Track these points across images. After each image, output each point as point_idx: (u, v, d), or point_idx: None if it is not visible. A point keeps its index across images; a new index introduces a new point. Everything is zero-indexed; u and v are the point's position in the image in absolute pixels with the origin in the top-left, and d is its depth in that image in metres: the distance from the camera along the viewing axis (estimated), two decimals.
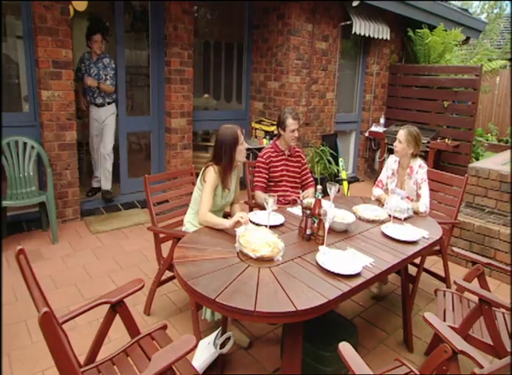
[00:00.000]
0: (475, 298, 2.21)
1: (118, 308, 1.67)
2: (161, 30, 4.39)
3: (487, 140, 8.78)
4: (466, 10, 7.55)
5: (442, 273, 3.13)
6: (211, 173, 2.36)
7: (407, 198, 2.94)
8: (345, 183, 5.18)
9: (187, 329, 2.48)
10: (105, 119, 4.26)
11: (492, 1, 12.55)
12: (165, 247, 2.59)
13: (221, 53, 5.48)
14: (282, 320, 1.55)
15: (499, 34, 12.38)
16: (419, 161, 2.98)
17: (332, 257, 1.93)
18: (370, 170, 6.76)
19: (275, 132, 5.11)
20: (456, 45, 6.54)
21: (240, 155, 2.43)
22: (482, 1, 12.85)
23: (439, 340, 2.24)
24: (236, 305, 1.53)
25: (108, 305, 1.67)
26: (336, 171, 5.35)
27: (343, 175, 5.45)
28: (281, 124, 3.05)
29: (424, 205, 2.82)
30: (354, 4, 4.82)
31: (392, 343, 2.58)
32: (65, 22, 3.54)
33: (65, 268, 3.17)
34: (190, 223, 2.55)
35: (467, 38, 7.26)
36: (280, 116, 3.07)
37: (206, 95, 5.56)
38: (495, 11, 12.84)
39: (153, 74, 4.55)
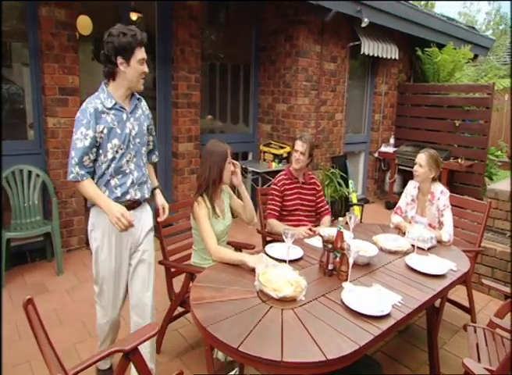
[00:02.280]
0: (509, 335, 2.12)
1: (131, 356, 1.57)
2: (168, 53, 4.41)
3: (497, 157, 8.71)
4: (473, 28, 7.61)
5: (465, 302, 3.02)
6: (198, 207, 2.29)
7: (429, 225, 2.85)
8: (356, 208, 5.09)
9: (200, 367, 2.37)
10: None
11: (497, 18, 12.70)
12: (177, 281, 2.51)
13: (227, 75, 5.49)
14: (312, 371, 1.45)
15: (505, 51, 12.46)
16: (440, 186, 2.91)
17: (357, 295, 1.84)
18: (380, 191, 6.68)
19: (285, 155, 5.11)
20: (466, 63, 6.54)
21: (227, 174, 2.35)
22: (487, 19, 13.02)
23: None
24: (261, 354, 1.44)
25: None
26: (346, 194, 5.29)
27: (354, 198, 5.37)
28: (292, 146, 3.05)
29: (447, 233, 2.74)
30: (363, 25, 4.84)
31: None
32: (72, 48, 3.55)
33: (71, 301, 3.07)
34: (196, 264, 2.47)
35: (476, 56, 7.29)
36: (294, 138, 3.07)
37: (209, 116, 5.54)
38: (500, 27, 12.97)
39: (160, 98, 4.54)
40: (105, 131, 1.91)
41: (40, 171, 3.51)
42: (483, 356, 2.07)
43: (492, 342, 2.20)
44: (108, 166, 1.96)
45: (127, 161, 2.01)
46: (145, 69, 1.95)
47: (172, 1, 4.26)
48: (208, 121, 5.49)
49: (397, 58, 5.92)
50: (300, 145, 2.96)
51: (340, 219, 2.12)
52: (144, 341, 1.61)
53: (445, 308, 3.02)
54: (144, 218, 2.14)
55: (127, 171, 2.02)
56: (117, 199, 1.98)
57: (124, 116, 1.99)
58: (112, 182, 1.99)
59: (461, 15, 16.95)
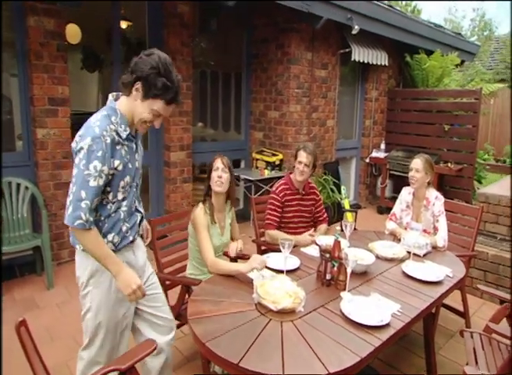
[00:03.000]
0: (506, 340, 2.12)
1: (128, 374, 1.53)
2: None
3: (485, 160, 8.84)
4: (459, 34, 7.73)
5: (458, 306, 3.02)
6: (198, 213, 2.30)
7: (424, 231, 2.86)
8: (349, 214, 5.10)
9: None
10: None
11: (481, 24, 12.93)
12: (172, 293, 2.47)
13: (218, 82, 5.49)
14: None
15: (489, 56, 12.72)
16: (435, 192, 2.93)
17: (356, 305, 1.83)
18: (372, 197, 6.71)
19: (277, 162, 5.10)
20: (454, 69, 6.64)
21: (212, 181, 2.35)
22: (472, 25, 13.25)
23: None
24: (262, 369, 1.41)
25: None
26: (339, 199, 5.29)
27: (346, 204, 5.38)
28: (295, 156, 2.97)
29: (442, 239, 2.75)
30: (354, 32, 4.87)
31: None
32: (61, 58, 3.51)
33: (62, 316, 3.00)
34: (192, 275, 2.44)
35: (462, 61, 7.40)
36: (297, 148, 2.99)
37: (200, 124, 5.52)
38: (485, 33, 13.21)
39: None
40: (120, 168, 1.62)
41: (30, 183, 3.45)
42: (481, 361, 2.08)
43: (488, 347, 2.20)
44: (118, 208, 1.68)
45: (135, 198, 1.79)
46: (153, 120, 1.65)
47: (163, 10, 4.24)
48: (199, 129, 5.46)
49: (387, 64, 5.97)
50: (304, 157, 2.85)
51: (337, 228, 2.11)
52: (142, 358, 1.57)
53: (440, 313, 3.04)
54: (139, 241, 1.94)
55: (133, 209, 1.78)
56: (128, 244, 1.74)
57: (134, 146, 1.72)
58: (124, 227, 1.71)
59: (447, 21, 17.26)
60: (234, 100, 5.61)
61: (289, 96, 5.06)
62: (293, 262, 2.28)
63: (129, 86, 1.61)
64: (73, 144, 1.60)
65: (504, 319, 2.33)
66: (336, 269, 2.04)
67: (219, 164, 2.34)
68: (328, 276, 2.05)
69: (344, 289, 1.98)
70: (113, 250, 1.65)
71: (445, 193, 5.55)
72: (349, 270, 1.93)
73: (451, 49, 6.61)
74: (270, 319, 1.71)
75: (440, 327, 3.05)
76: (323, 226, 3.04)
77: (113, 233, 1.68)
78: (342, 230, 2.32)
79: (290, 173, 3.03)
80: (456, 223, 3.21)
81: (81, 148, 1.54)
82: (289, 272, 2.15)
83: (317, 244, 2.58)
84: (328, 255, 2.04)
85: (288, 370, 1.41)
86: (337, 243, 2.05)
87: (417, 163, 2.86)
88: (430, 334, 2.50)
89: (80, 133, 1.59)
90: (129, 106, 1.64)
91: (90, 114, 1.68)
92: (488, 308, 3.40)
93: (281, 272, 2.11)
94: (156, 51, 1.65)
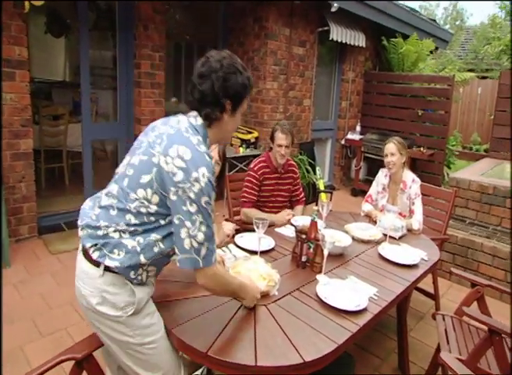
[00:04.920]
0: (475, 323, 2.09)
1: (85, 364, 1.36)
2: (129, 29, 4.06)
3: (453, 146, 8.98)
4: (434, 21, 7.67)
5: (429, 288, 3.00)
6: None
7: (400, 214, 2.79)
8: (323, 195, 5.01)
9: None
10: None
11: (454, 14, 12.98)
12: None
13: (193, 56, 5.21)
14: (289, 374, 1.31)
15: (459, 46, 12.84)
16: (411, 174, 2.86)
17: (333, 289, 1.72)
18: (346, 178, 6.66)
19: (252, 140, 4.92)
20: (428, 55, 6.60)
21: None
22: (445, 14, 13.28)
23: (436, 366, 2.12)
24: (233, 359, 1.28)
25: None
26: (314, 180, 5.19)
27: (321, 185, 5.29)
28: (271, 137, 2.79)
29: (417, 222, 2.70)
30: (333, 9, 4.69)
31: (387, 370, 2.40)
32: (18, 16, 3.15)
33: (20, 297, 2.76)
34: None
35: (436, 48, 7.38)
36: (273, 128, 2.81)
37: (174, 99, 5.26)
38: (457, 23, 13.29)
39: (121, 77, 4.20)
40: None
41: None
42: (452, 343, 2.05)
43: (459, 330, 2.18)
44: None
45: None
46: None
47: None
48: (173, 104, 5.21)
49: (364, 46, 5.85)
50: (283, 139, 2.66)
51: (314, 208, 1.98)
52: (101, 346, 1.40)
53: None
54: None
55: None
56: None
57: None
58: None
59: (422, 8, 17.27)
60: None
61: (266, 72, 4.86)
62: (268, 243, 2.15)
63: (215, 114, 1.38)
64: (171, 169, 1.25)
65: (475, 302, 2.31)
66: (312, 250, 1.92)
67: None
68: (303, 258, 1.93)
69: (320, 272, 1.87)
70: (139, 283, 1.38)
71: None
72: (326, 252, 1.80)
73: (426, 35, 6.56)
74: (242, 303, 1.56)
75: (411, 309, 3.02)
76: (299, 207, 2.92)
77: (157, 266, 1.45)
78: (318, 211, 2.19)
79: (269, 151, 2.86)
80: (429, 206, 3.16)
81: (196, 180, 1.24)
82: (263, 253, 2.02)
83: (292, 225, 2.45)
84: (304, 236, 1.91)
85: (261, 360, 1.28)
86: (314, 223, 1.92)
87: (391, 147, 2.79)
88: (403, 317, 2.46)
89: (180, 156, 1.26)
90: (211, 134, 1.42)
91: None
92: (455, 290, 3.42)
93: (254, 253, 1.97)
94: (222, 58, 1.36)
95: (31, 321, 2.51)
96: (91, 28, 4.61)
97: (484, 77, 10.96)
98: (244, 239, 2.15)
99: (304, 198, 3.02)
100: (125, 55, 4.14)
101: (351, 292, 1.71)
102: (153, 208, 1.29)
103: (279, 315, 1.53)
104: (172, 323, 1.42)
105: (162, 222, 1.32)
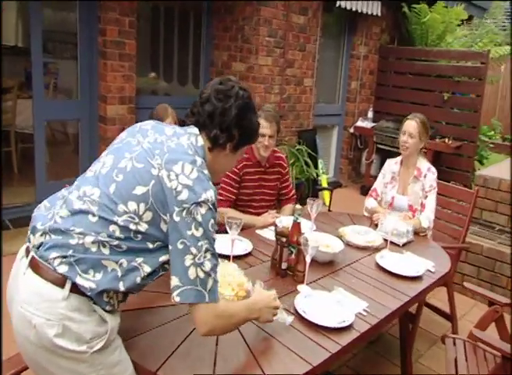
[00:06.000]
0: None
1: None
2: None
3: (489, 138, 8.96)
4: None
5: (445, 307, 3.07)
6: None
7: (410, 207, 2.90)
8: (326, 193, 5.09)
9: None
10: None
11: None
12: None
13: (173, 22, 5.25)
14: None
15: (503, 14, 12.74)
16: (427, 163, 2.97)
17: (315, 302, 1.79)
18: (355, 174, 6.73)
19: None
20: (459, 25, 6.61)
21: None
22: None
23: None
24: None
25: None
26: (314, 175, 5.26)
27: (324, 181, 5.37)
28: None
29: (427, 218, 2.80)
30: None
31: None
32: None
33: None
34: None
35: (470, 17, 7.39)
36: None
37: (153, 74, 5.31)
38: None
39: (82, 46, 4.26)
40: None
41: None
42: (462, 371, 2.09)
43: (473, 356, 2.22)
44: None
45: None
46: None
47: None
48: (151, 80, 5.27)
49: (379, 14, 5.89)
50: (266, 127, 2.68)
51: (298, 206, 2.04)
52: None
53: (423, 315, 3.07)
54: None
55: None
56: None
57: None
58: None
59: None
60: (193, 46, 5.40)
61: (259, 45, 4.91)
62: (243, 246, 2.22)
63: (225, 142, 1.48)
64: (175, 186, 1.31)
65: (493, 324, 2.36)
66: (294, 256, 1.99)
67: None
68: (283, 265, 2.00)
69: (302, 282, 1.93)
70: (111, 310, 1.35)
71: (441, 174, 5.58)
72: (308, 259, 1.87)
73: (457, 1, 6.57)
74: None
75: (422, 331, 3.08)
76: (288, 207, 2.96)
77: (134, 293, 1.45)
78: (304, 210, 2.25)
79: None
80: (446, 209, 3.23)
81: (205, 202, 1.32)
82: (237, 258, 2.08)
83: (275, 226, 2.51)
84: (284, 240, 1.97)
85: None
86: (296, 225, 1.99)
87: (412, 126, 2.87)
88: (408, 339, 2.53)
89: (185, 174, 1.33)
90: (210, 163, 1.48)
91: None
92: (479, 310, 3.40)
93: (226, 257, 2.03)
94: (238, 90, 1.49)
95: None
96: None
97: None
98: (216, 241, 2.21)
99: (295, 196, 3.08)
100: (87, 18, 4.19)
101: (336, 306, 1.77)
102: (143, 227, 1.31)
103: (246, 330, 1.58)
104: (122, 335, 1.47)
105: (150, 245, 1.35)
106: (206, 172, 1.38)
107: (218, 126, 1.43)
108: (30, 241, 1.36)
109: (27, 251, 1.35)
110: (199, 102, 1.46)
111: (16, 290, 1.32)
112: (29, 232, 1.38)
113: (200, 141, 1.44)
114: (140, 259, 1.33)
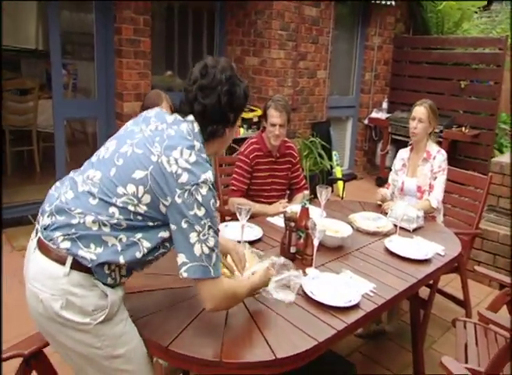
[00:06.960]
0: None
1: (33, 361, 1.52)
2: None
3: (510, 126, 8.79)
4: None
5: (460, 295, 3.07)
6: None
7: (419, 188, 2.96)
8: (340, 184, 5.11)
9: None
10: None
11: None
12: None
13: (187, 21, 5.32)
14: (256, 371, 1.43)
15: None
16: (437, 146, 3.02)
17: (322, 283, 1.84)
18: (370, 165, 6.72)
19: (255, 120, 5.02)
20: (476, 12, 6.52)
21: None
22: None
23: None
24: (196, 353, 1.40)
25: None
26: (328, 167, 5.28)
27: (338, 172, 5.38)
28: (264, 114, 2.89)
29: (435, 199, 2.85)
30: None
31: None
32: None
33: None
34: None
35: (489, 3, 7.25)
36: (265, 103, 2.92)
37: (169, 72, 5.40)
38: None
39: (98, 45, 4.36)
40: None
41: None
42: (471, 356, 2.08)
43: (483, 339, 2.22)
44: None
45: None
46: None
47: None
48: (167, 78, 5.35)
49: (393, 3, 5.86)
50: (277, 117, 2.76)
51: (306, 192, 2.09)
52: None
53: (437, 302, 3.08)
54: None
55: None
56: None
57: None
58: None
59: None
60: (206, 42, 5.47)
61: (271, 39, 4.95)
62: (254, 233, 2.28)
63: (221, 130, 1.52)
64: (175, 170, 1.36)
65: (504, 307, 2.37)
66: (302, 241, 2.04)
67: None
68: (292, 249, 2.05)
69: (311, 265, 1.98)
70: (113, 284, 1.44)
71: (458, 163, 5.55)
72: (316, 242, 1.92)
73: None
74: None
75: (436, 318, 3.10)
76: (299, 196, 2.99)
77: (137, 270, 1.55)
78: (315, 197, 2.30)
79: (262, 131, 2.97)
80: (459, 195, 3.22)
81: (204, 182, 1.38)
82: (248, 243, 2.12)
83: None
84: (293, 224, 2.03)
85: (227, 354, 1.41)
86: (305, 210, 2.04)
87: (421, 112, 2.93)
88: (420, 325, 2.54)
89: (184, 158, 1.38)
90: (209, 147, 1.53)
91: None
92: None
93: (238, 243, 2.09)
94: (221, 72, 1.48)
95: None
96: None
97: None
98: (229, 228, 2.30)
99: (307, 185, 3.12)
100: (103, 18, 4.29)
101: (342, 287, 1.82)
102: (142, 209, 1.38)
103: (255, 309, 1.66)
104: (134, 315, 1.55)
105: (150, 223, 1.41)
106: (204, 155, 1.43)
107: (214, 120, 1.48)
108: (38, 223, 1.46)
109: (36, 232, 1.46)
110: (186, 100, 1.49)
111: (27, 268, 1.44)
112: (39, 214, 1.48)
113: (197, 126, 1.48)
114: (139, 235, 1.40)
